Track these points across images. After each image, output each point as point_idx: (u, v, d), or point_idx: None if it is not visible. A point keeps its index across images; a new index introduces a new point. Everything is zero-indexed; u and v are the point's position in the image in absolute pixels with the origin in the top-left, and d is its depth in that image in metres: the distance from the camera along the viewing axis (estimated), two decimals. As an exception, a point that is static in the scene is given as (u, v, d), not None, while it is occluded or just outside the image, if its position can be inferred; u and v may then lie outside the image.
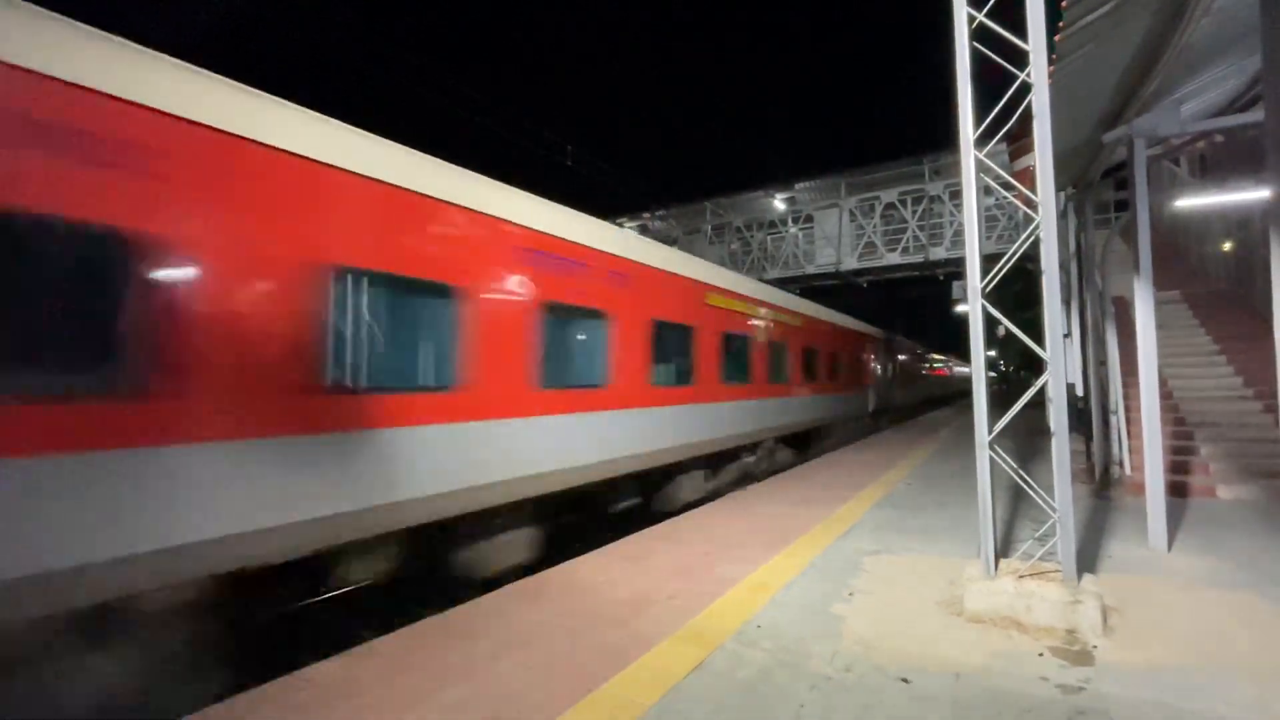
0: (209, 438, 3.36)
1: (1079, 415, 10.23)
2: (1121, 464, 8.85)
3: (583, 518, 6.92)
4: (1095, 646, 3.56)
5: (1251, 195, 7.57)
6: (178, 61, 3.50)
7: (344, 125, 4.36)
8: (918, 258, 20.42)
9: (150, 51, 3.40)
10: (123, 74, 3.16)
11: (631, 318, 7.04)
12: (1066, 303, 10.82)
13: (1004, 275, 4.36)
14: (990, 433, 4.29)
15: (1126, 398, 8.96)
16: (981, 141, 4.36)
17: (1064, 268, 10.78)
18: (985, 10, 4.24)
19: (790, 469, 11.09)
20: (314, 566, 4.21)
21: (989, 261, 4.11)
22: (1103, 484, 8.50)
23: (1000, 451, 4.36)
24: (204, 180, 3.41)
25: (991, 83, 4.40)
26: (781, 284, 21.68)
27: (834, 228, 21.84)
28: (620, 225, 23.52)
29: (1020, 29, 4.12)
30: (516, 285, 5.52)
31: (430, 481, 4.56)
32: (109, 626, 3.14)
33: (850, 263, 21.50)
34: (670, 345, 7.85)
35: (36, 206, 2.85)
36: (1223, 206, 10.53)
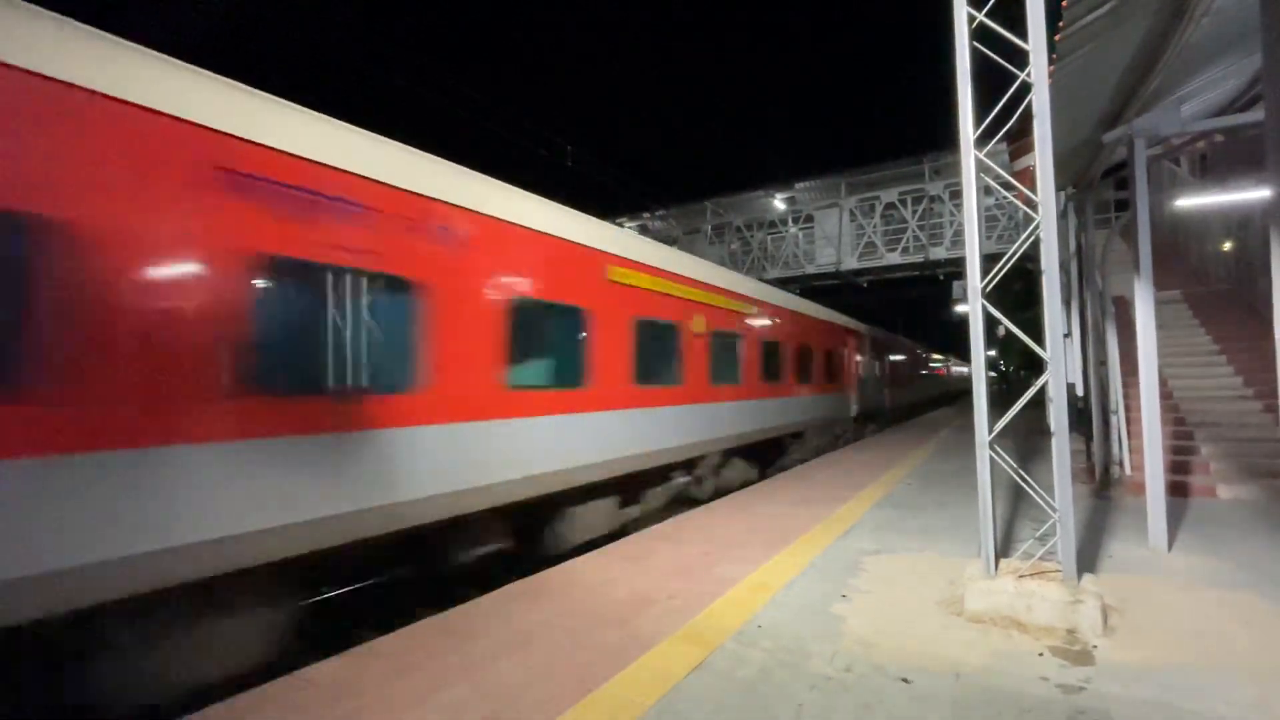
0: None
1: (1079, 415, 10.24)
2: (1121, 464, 8.85)
3: (414, 571, 5.07)
4: (1095, 646, 3.56)
5: (1252, 195, 7.57)
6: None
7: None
8: (918, 258, 20.44)
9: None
10: None
11: (466, 294, 4.94)
12: (1067, 302, 10.81)
13: (1004, 275, 4.36)
14: (990, 432, 4.29)
15: (1127, 397, 8.95)
16: (981, 141, 4.36)
17: (1064, 268, 10.78)
18: (985, 10, 4.24)
19: (753, 484, 9.56)
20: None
21: (989, 261, 4.11)
22: (1103, 484, 8.50)
23: (1000, 451, 4.36)
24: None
25: (991, 83, 4.40)
26: (782, 284, 21.69)
27: (834, 228, 21.85)
28: (620, 225, 23.53)
29: (1020, 29, 4.12)
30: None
31: None
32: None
33: (850, 263, 21.51)
34: (545, 334, 5.95)
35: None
36: (1223, 206, 10.53)
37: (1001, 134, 4.35)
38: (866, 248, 21.35)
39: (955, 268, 20.64)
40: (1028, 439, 12.89)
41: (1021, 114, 4.25)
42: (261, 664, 3.71)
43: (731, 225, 24.08)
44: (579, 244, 6.33)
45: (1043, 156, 4.09)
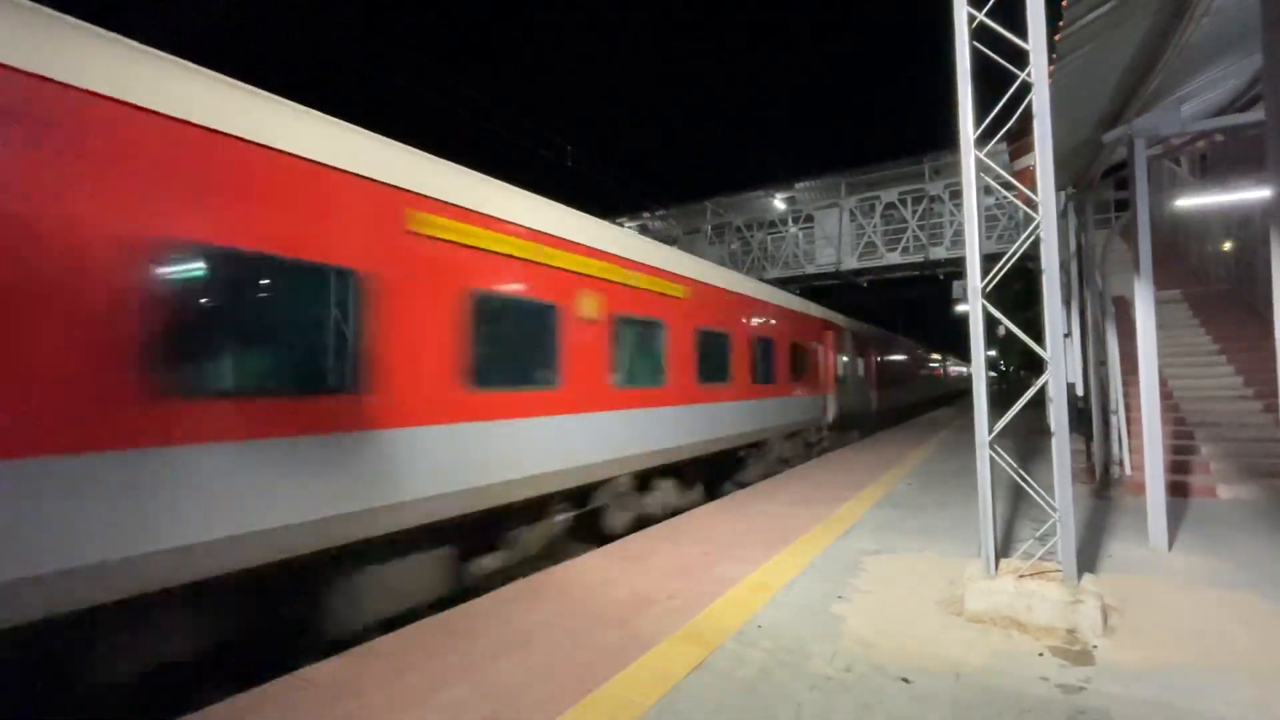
0: None
1: (1079, 415, 10.25)
2: (1122, 464, 8.85)
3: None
4: (1095, 646, 3.56)
5: (1252, 195, 7.57)
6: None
7: None
8: (918, 257, 20.43)
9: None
10: None
11: (115, 241, 3.15)
12: (1067, 302, 10.81)
13: (1004, 275, 4.36)
14: (990, 432, 4.29)
15: (1127, 397, 8.95)
16: (981, 141, 4.36)
17: (1064, 267, 10.78)
18: (985, 10, 4.24)
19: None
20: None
21: (989, 261, 4.11)
22: (1103, 484, 8.50)
23: (1000, 451, 4.36)
24: None
25: (991, 83, 4.40)
26: (782, 284, 21.68)
27: (834, 227, 21.85)
28: (620, 225, 23.56)
29: (1020, 28, 4.12)
30: None
31: None
32: None
33: (850, 262, 21.51)
34: (258, 308, 3.85)
35: None
36: (1223, 206, 10.54)
37: (1001, 134, 4.35)
38: (866, 248, 21.35)
39: (955, 267, 20.64)
40: (1028, 439, 12.89)
41: (1021, 114, 4.25)
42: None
43: (731, 225, 24.09)
44: (341, 171, 4.17)
45: (1043, 156, 4.09)
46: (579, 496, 6.47)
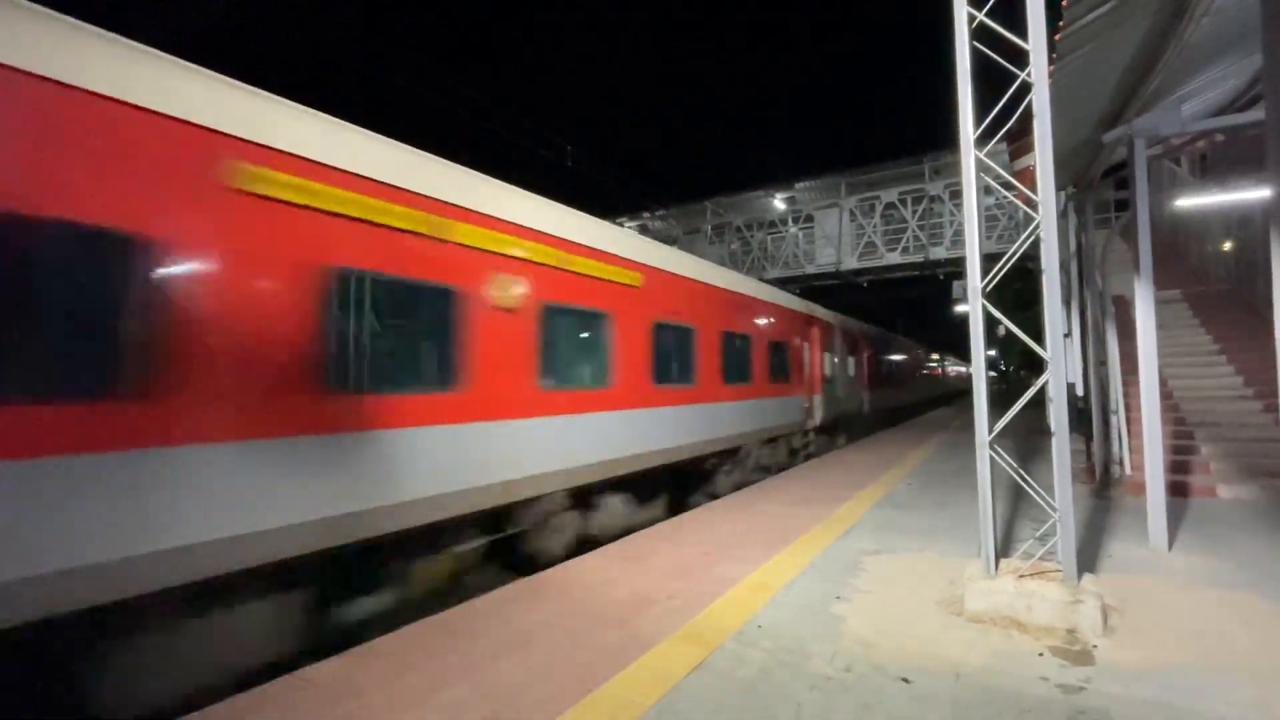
0: None
1: (1079, 415, 10.25)
2: (1122, 463, 8.85)
3: None
4: (1095, 646, 3.56)
5: (1252, 195, 7.57)
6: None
7: None
8: (918, 257, 20.43)
9: None
10: None
11: None
12: (1067, 302, 10.81)
13: (1004, 275, 4.36)
14: (990, 432, 4.29)
15: (1127, 397, 8.95)
16: (982, 141, 4.36)
17: (1064, 267, 10.78)
18: (985, 10, 4.24)
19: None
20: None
21: (989, 261, 4.11)
22: (1103, 484, 8.50)
23: (1000, 451, 4.36)
24: None
25: (991, 82, 4.40)
26: (782, 284, 21.68)
27: (834, 227, 21.85)
28: (620, 225, 23.56)
29: (1020, 28, 4.12)
30: None
31: None
32: None
33: (850, 262, 21.51)
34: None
35: None
36: (1223, 206, 10.54)
37: (1001, 134, 4.35)
38: (866, 248, 21.35)
39: (955, 267, 20.63)
40: (1028, 439, 12.89)
41: (1021, 114, 4.25)
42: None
43: (731, 225, 24.08)
44: (104, 99, 3.12)
45: (1043, 156, 4.09)
46: (495, 519, 5.40)
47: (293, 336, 3.81)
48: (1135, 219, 5.76)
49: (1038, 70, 4.06)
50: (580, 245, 6.41)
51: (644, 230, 24.95)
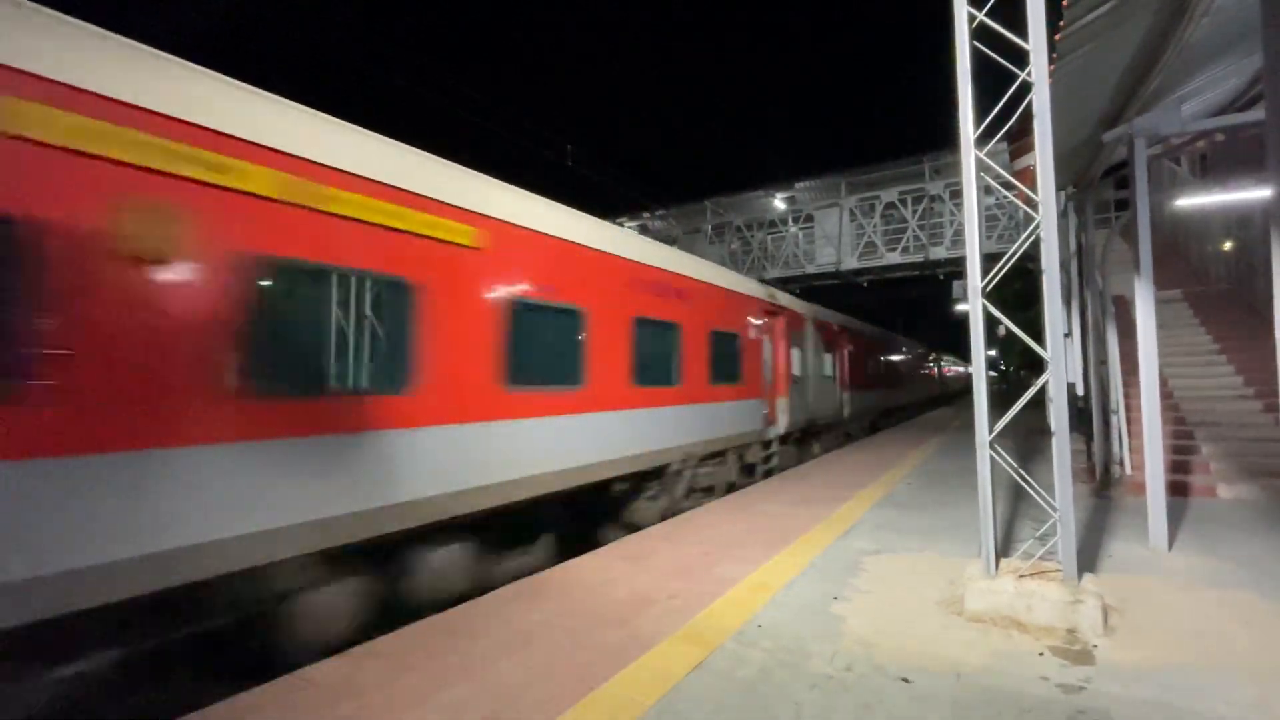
0: None
1: (1079, 415, 10.25)
2: (1122, 463, 8.85)
3: None
4: (1096, 646, 3.56)
5: (1252, 194, 7.57)
6: None
7: None
8: (918, 257, 20.43)
9: None
10: None
11: None
12: (1067, 302, 10.82)
13: (1004, 275, 4.36)
14: (990, 432, 4.29)
15: (1127, 397, 8.96)
16: (982, 141, 4.36)
17: (1064, 267, 10.78)
18: (986, 9, 4.24)
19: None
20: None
21: (989, 261, 4.11)
22: (1103, 483, 8.50)
23: (1000, 451, 4.36)
24: None
25: (992, 82, 4.41)
26: (782, 284, 21.68)
27: (834, 227, 21.84)
28: (620, 225, 23.53)
29: (1020, 28, 4.12)
30: None
31: None
32: None
33: (850, 262, 21.51)
34: None
35: None
36: (1223, 206, 10.53)
37: (1002, 133, 4.36)
38: (866, 247, 21.35)
39: (955, 267, 20.63)
40: (1028, 439, 12.89)
41: (1021, 113, 4.25)
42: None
43: (731, 225, 24.08)
44: None
45: (1043, 156, 4.09)
46: (328, 566, 3.99)
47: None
48: (1135, 219, 5.76)
49: (1038, 70, 4.06)
50: (348, 174, 4.20)
51: (644, 230, 24.94)
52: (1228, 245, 12.59)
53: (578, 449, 6.23)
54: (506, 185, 5.81)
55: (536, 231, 5.83)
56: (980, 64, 4.37)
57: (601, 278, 6.70)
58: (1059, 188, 9.89)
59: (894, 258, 20.81)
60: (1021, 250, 4.36)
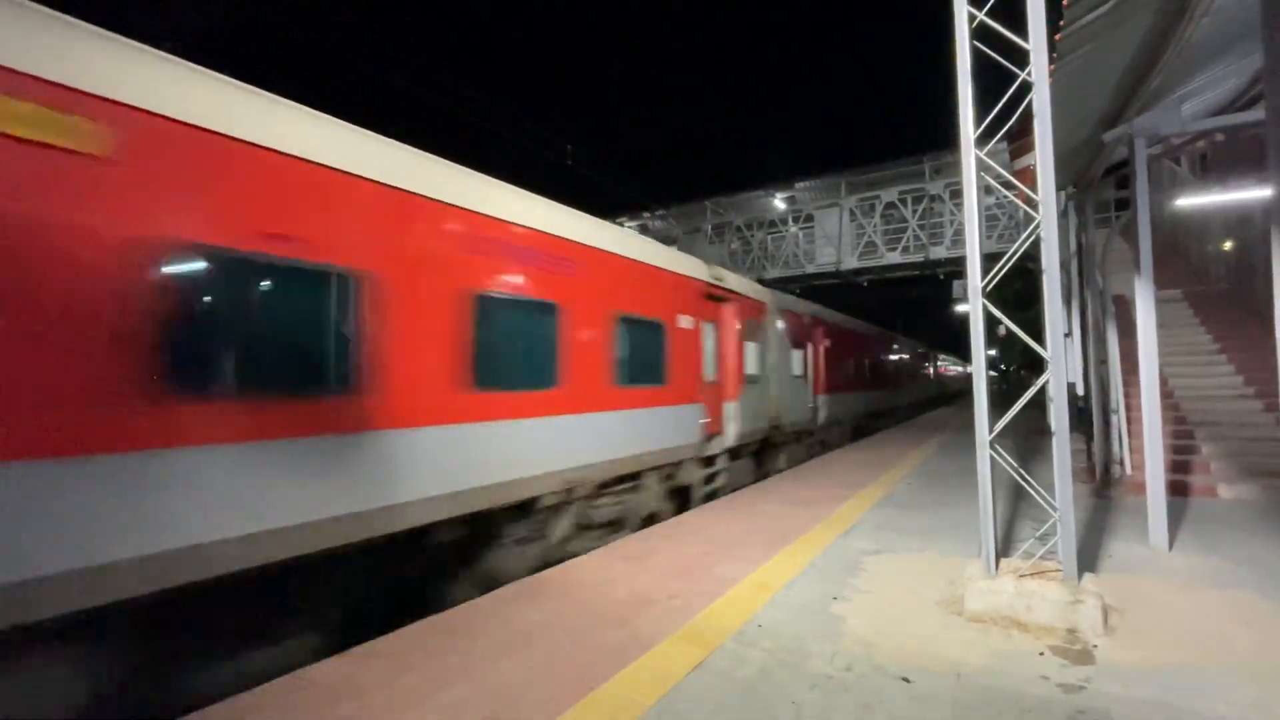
0: None
1: (1079, 414, 10.24)
2: (1122, 463, 8.84)
3: None
4: (1096, 646, 3.56)
5: (1252, 194, 7.57)
6: None
7: None
8: (918, 257, 20.43)
9: None
10: None
11: None
12: (1067, 302, 10.81)
13: (1004, 274, 4.36)
14: (991, 432, 4.29)
15: (1127, 396, 8.95)
16: (982, 141, 4.36)
17: (1065, 267, 10.77)
18: (986, 9, 4.24)
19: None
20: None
21: (989, 260, 4.10)
22: (1103, 483, 8.50)
23: (1001, 451, 4.36)
24: None
25: (992, 82, 4.40)
26: (782, 284, 21.67)
27: (834, 227, 21.85)
28: (620, 225, 23.52)
29: (1021, 28, 4.12)
30: None
31: None
32: None
33: (850, 262, 21.52)
34: None
35: None
36: (1223, 205, 10.53)
37: (1002, 133, 4.35)
38: (866, 247, 21.35)
39: (955, 267, 20.63)
40: (1028, 439, 12.89)
41: (1022, 113, 4.25)
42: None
43: (731, 225, 24.09)
44: None
45: (1043, 155, 4.08)
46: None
47: None
48: (1135, 218, 5.76)
49: (1038, 70, 4.06)
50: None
51: (644, 230, 24.93)
52: (1228, 245, 12.59)
53: (388, 485, 4.31)
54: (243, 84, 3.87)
55: (218, 134, 3.53)
56: (980, 64, 4.37)
57: (389, 228, 4.50)
58: (1059, 187, 9.88)
59: (894, 257, 20.82)
60: (1021, 250, 4.36)
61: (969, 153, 4.33)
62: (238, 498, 3.49)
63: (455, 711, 2.98)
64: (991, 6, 4.23)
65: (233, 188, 3.61)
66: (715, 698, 3.06)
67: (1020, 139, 9.17)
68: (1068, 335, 10.88)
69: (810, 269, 22.44)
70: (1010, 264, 4.35)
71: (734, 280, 9.93)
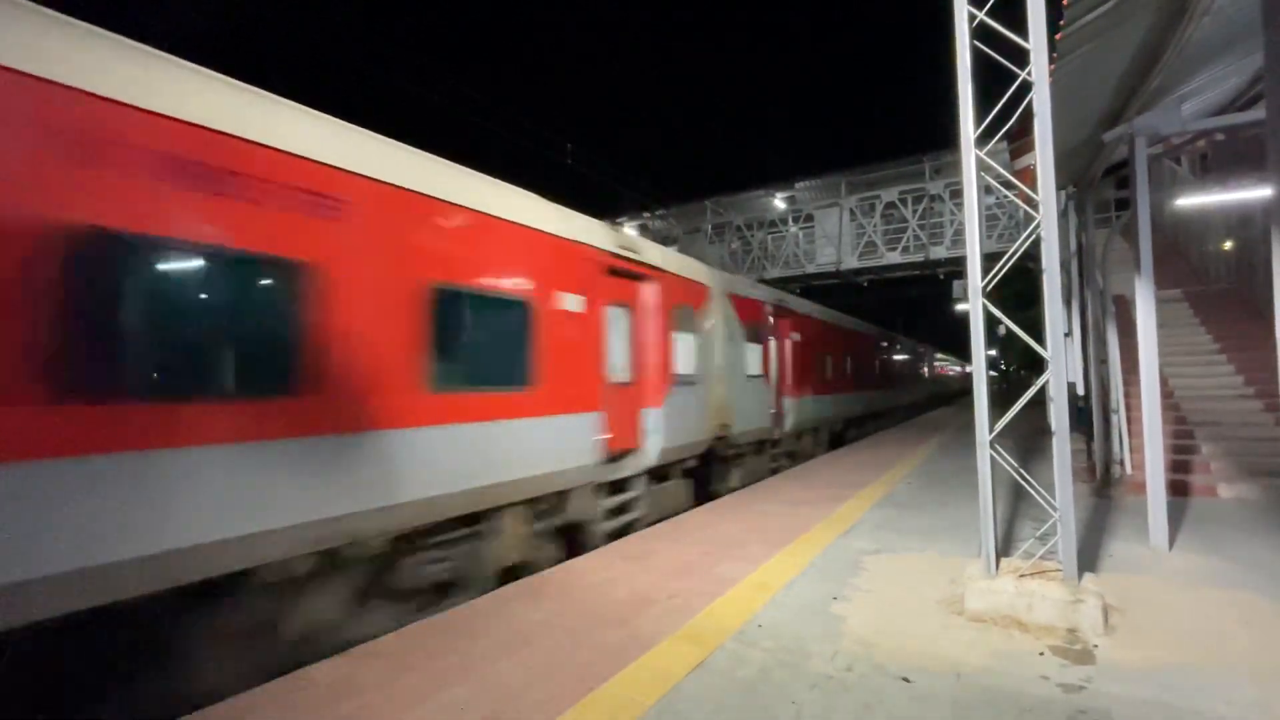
0: None
1: (1080, 414, 10.24)
2: (1122, 463, 8.84)
3: None
4: (1096, 645, 3.56)
5: (1252, 194, 7.57)
6: None
7: None
8: (918, 257, 20.42)
9: None
10: None
11: None
12: (1067, 302, 10.81)
13: (1004, 274, 4.36)
14: (991, 432, 4.29)
15: (1127, 396, 8.95)
16: (982, 140, 4.35)
17: (1065, 267, 10.77)
18: (986, 9, 4.24)
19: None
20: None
21: (990, 260, 4.10)
22: (1103, 483, 8.50)
23: (1001, 451, 4.36)
24: None
25: (992, 82, 4.40)
26: (782, 284, 21.65)
27: (834, 227, 21.83)
28: (620, 225, 23.54)
29: (1021, 28, 4.11)
30: None
31: None
32: None
33: (851, 262, 21.50)
34: None
35: None
36: (1223, 205, 10.52)
37: (1002, 133, 4.35)
38: (867, 247, 21.33)
39: (955, 267, 20.62)
40: (1028, 438, 12.89)
41: (1022, 113, 4.24)
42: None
43: (731, 225, 24.07)
44: None
45: (1043, 155, 4.08)
46: None
47: None
48: (1136, 218, 5.76)
49: (1038, 69, 4.06)
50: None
51: (644, 230, 24.93)
52: (1228, 245, 12.58)
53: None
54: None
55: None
56: (980, 64, 4.37)
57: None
58: (1059, 187, 9.88)
59: (894, 257, 20.80)
60: (1021, 250, 4.36)
61: (969, 152, 4.33)
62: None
63: (455, 711, 2.98)
64: (991, 6, 4.23)
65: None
66: (715, 698, 3.06)
67: (1020, 139, 9.17)
68: (1068, 335, 10.89)
69: (810, 269, 22.42)
70: (1010, 264, 4.35)
71: (656, 254, 7.81)
